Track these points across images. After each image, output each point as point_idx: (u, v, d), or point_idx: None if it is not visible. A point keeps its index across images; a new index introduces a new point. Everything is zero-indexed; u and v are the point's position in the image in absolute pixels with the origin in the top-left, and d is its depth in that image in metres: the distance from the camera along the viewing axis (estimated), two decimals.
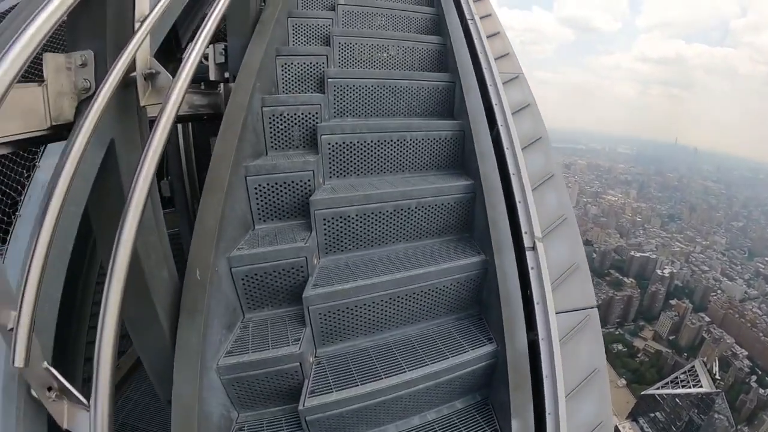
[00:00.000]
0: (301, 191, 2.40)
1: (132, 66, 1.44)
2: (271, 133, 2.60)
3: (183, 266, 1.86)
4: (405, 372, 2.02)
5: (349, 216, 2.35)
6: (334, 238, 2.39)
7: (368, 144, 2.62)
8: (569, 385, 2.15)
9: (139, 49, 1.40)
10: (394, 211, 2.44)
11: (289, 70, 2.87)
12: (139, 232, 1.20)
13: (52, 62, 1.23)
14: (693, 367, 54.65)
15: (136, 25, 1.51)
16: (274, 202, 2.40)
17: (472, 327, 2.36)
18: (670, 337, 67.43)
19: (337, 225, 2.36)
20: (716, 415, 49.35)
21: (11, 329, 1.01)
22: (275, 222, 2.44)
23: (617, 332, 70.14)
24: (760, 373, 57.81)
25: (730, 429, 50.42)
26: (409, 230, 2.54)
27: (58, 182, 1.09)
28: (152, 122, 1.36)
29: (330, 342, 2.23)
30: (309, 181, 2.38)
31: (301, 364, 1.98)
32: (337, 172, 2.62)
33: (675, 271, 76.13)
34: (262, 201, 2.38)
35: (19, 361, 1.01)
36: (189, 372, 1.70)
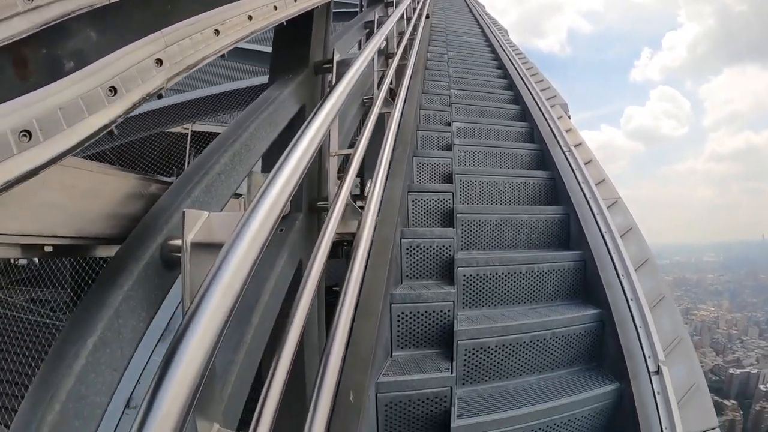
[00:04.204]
0: (441, 321, 2.56)
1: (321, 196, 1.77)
2: (407, 263, 2.85)
3: None
4: None
5: (489, 347, 2.46)
6: (473, 369, 2.48)
7: (499, 276, 2.81)
8: None
9: (346, 181, 1.70)
10: (531, 341, 2.53)
11: (418, 205, 3.21)
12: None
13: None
14: None
15: (330, 161, 2.00)
16: (413, 330, 2.56)
17: None
18: None
19: (477, 356, 2.47)
20: None
21: None
22: (412, 350, 2.56)
23: None
24: None
25: None
26: (542, 361, 2.59)
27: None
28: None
29: None
30: (449, 311, 2.55)
31: None
32: (471, 303, 2.79)
33: None
34: (402, 328, 2.55)
35: None
36: None
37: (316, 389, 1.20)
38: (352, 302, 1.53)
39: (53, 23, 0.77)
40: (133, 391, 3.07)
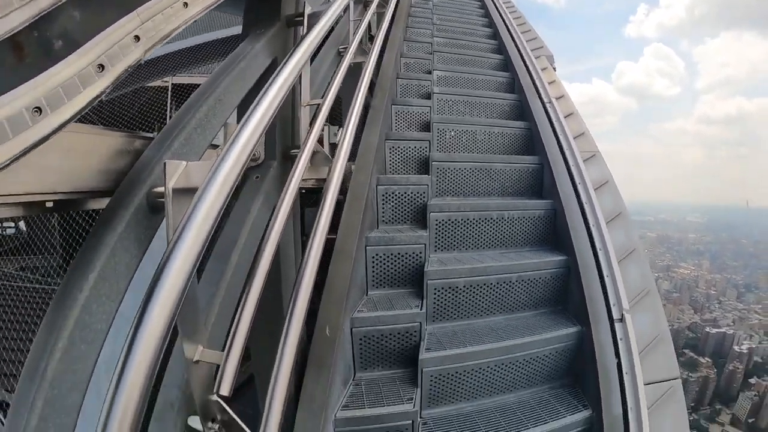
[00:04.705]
0: (413, 262, 2.68)
1: (294, 144, 1.85)
2: (383, 208, 2.95)
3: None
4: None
5: (457, 287, 2.60)
6: (442, 307, 2.62)
7: (471, 221, 2.91)
8: None
9: (313, 129, 1.84)
10: (497, 283, 2.67)
11: (395, 153, 3.27)
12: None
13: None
14: None
15: (303, 111, 2.03)
16: (387, 270, 2.68)
17: (568, 395, 2.46)
18: (750, 420, 60.91)
19: (446, 295, 2.60)
20: None
21: (197, 361, 1.18)
22: (386, 289, 2.70)
23: (691, 417, 64.13)
24: None
25: None
26: (508, 302, 2.74)
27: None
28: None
29: (435, 405, 2.37)
30: (420, 253, 2.67)
31: (413, 422, 2.13)
32: (443, 246, 2.91)
33: (754, 346, 69.68)
34: (377, 269, 2.67)
35: (225, 389, 1.13)
36: (312, 422, 1.83)
37: (288, 317, 1.38)
38: (321, 240, 1.63)
39: (44, 13, 0.96)
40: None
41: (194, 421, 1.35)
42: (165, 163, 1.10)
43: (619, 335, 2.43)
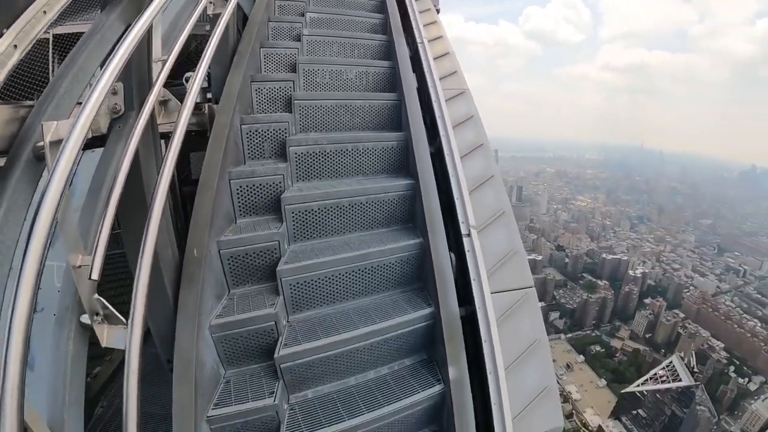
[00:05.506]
0: (274, 192, 2.99)
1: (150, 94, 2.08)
2: (248, 145, 3.19)
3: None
4: (358, 328, 2.57)
5: (312, 209, 2.95)
6: (301, 228, 2.97)
7: (328, 153, 3.24)
8: (512, 356, 2.57)
9: (157, 82, 2.05)
10: (350, 205, 3.04)
11: (261, 94, 3.48)
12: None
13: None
14: (671, 362, 56.20)
15: (154, 65, 2.19)
16: (251, 200, 2.97)
17: (416, 296, 2.90)
18: (647, 335, 68.57)
19: (304, 217, 2.95)
20: (698, 408, 50.89)
21: (79, 266, 1.61)
22: (253, 217, 3.00)
23: (594, 334, 71.21)
24: (737, 363, 59.83)
25: (712, 420, 51.71)
26: (362, 221, 3.13)
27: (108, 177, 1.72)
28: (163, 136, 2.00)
29: (299, 310, 2.76)
30: (280, 183, 2.98)
31: (276, 323, 2.50)
32: (303, 176, 3.22)
33: (647, 271, 78.10)
34: (242, 199, 2.95)
35: (95, 274, 1.54)
36: (188, 328, 2.15)
37: (144, 235, 1.74)
38: (168, 175, 1.90)
39: None
40: None
41: (85, 318, 1.78)
42: (42, 125, 1.56)
43: (467, 248, 2.83)
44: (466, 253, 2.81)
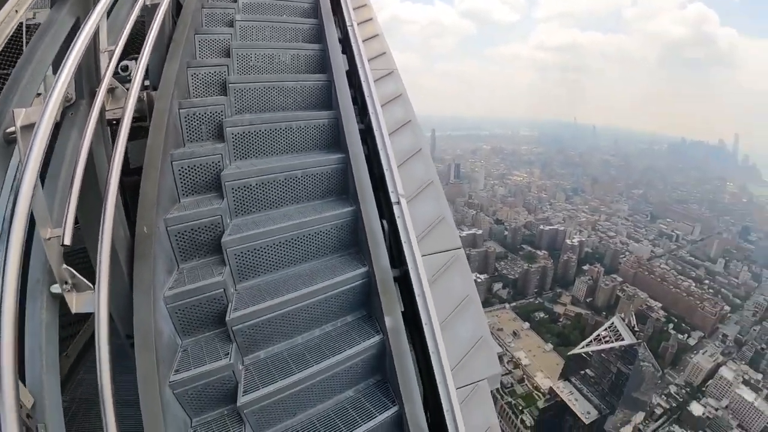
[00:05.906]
0: (214, 171, 3.19)
1: (99, 83, 2.28)
2: (187, 128, 3.37)
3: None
4: (300, 289, 2.86)
5: (251, 185, 3.19)
6: (241, 203, 3.21)
7: (263, 133, 3.47)
8: (447, 311, 2.86)
9: (107, 71, 2.31)
10: (285, 180, 3.30)
11: (197, 79, 3.64)
12: None
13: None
14: (613, 323, 59.71)
15: (102, 56, 2.45)
16: (193, 180, 3.17)
17: (352, 259, 3.20)
18: (588, 300, 72.81)
19: (243, 193, 3.18)
20: (642, 364, 54.47)
21: (49, 239, 1.83)
22: (195, 196, 3.19)
23: (537, 301, 74.91)
24: (675, 321, 64.82)
25: (656, 374, 55.82)
26: (299, 194, 3.40)
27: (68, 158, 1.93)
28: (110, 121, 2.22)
29: (245, 278, 3.01)
30: (218, 162, 3.19)
31: (225, 290, 2.73)
32: (241, 155, 3.45)
33: (584, 239, 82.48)
34: (184, 180, 3.14)
35: (67, 240, 1.76)
36: (145, 301, 2.33)
37: (103, 213, 1.97)
38: (121, 154, 2.13)
39: None
40: None
41: (55, 288, 1.97)
42: (12, 111, 1.85)
43: (397, 214, 3.12)
44: (397, 219, 3.10)
